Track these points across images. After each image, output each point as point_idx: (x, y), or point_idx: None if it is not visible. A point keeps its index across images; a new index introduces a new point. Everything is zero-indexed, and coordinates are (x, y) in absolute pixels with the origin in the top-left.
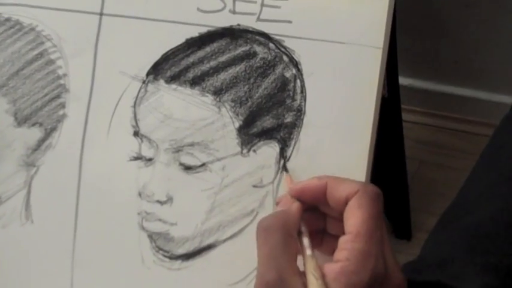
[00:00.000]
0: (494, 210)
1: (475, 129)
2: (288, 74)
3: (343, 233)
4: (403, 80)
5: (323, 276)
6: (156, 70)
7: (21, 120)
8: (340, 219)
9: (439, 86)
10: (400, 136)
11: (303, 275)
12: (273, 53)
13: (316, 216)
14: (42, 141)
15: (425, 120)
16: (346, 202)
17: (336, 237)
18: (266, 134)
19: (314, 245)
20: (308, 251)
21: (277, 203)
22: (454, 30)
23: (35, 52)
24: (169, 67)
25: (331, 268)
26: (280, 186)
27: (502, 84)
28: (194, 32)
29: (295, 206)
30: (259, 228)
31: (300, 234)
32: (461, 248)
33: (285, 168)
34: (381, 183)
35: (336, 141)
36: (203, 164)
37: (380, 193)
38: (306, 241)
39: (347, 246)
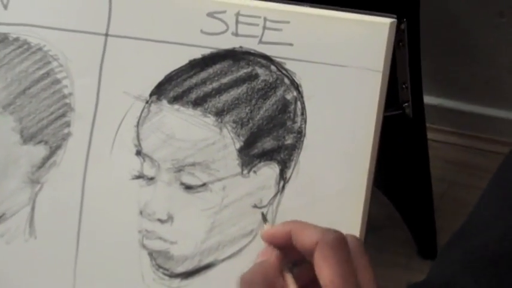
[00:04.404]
0: (498, 234)
1: (505, 150)
2: (288, 96)
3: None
4: (432, 100)
5: None
6: (160, 90)
7: (27, 137)
8: None
9: (469, 106)
10: (425, 156)
11: None
12: (275, 75)
13: (308, 268)
14: (47, 158)
15: (454, 140)
16: (311, 250)
17: None
18: (266, 155)
19: None
20: None
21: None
22: (485, 51)
23: (42, 71)
24: (172, 88)
25: None
26: (279, 209)
27: None
28: (197, 53)
29: (274, 254)
30: (242, 283)
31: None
32: (464, 270)
33: (263, 217)
34: (406, 203)
35: (336, 164)
36: (204, 184)
37: (341, 238)
38: (290, 284)
39: None
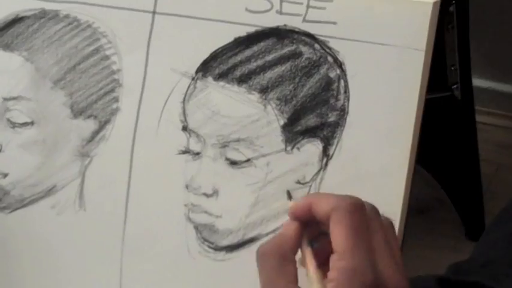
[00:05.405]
0: None
1: None
2: (332, 74)
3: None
4: (483, 83)
5: None
6: (205, 68)
7: (77, 112)
8: None
9: None
10: (474, 138)
11: None
12: (318, 54)
13: (328, 243)
14: (96, 133)
15: (504, 123)
16: (328, 217)
17: None
18: (310, 132)
19: None
20: (310, 268)
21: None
22: None
23: (91, 48)
24: (217, 65)
25: None
26: (322, 185)
27: None
28: (242, 31)
29: (292, 227)
30: (257, 254)
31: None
32: (505, 249)
33: (289, 195)
34: (455, 185)
35: (378, 142)
36: (248, 160)
37: (357, 203)
38: (308, 259)
39: (335, 265)
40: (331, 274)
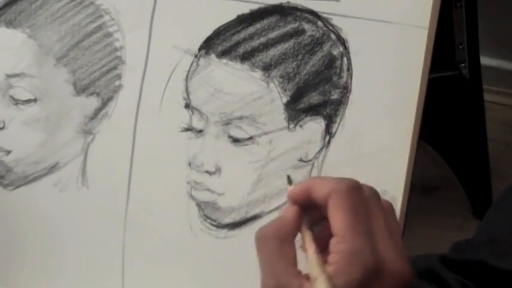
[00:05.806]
0: None
1: None
2: (335, 52)
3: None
4: (490, 61)
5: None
6: (208, 45)
7: (80, 89)
8: None
9: None
10: (481, 117)
11: (302, 277)
12: (321, 31)
13: (328, 227)
14: (99, 110)
15: None
16: (326, 201)
17: None
18: (312, 110)
19: None
20: (309, 251)
21: None
22: None
23: (94, 25)
24: (220, 42)
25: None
26: (325, 163)
27: None
28: (245, 8)
29: (291, 210)
30: (255, 238)
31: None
32: (509, 228)
33: (289, 180)
34: (462, 164)
35: (381, 120)
36: (251, 137)
37: (354, 186)
38: (308, 242)
39: (334, 249)
40: (331, 257)
